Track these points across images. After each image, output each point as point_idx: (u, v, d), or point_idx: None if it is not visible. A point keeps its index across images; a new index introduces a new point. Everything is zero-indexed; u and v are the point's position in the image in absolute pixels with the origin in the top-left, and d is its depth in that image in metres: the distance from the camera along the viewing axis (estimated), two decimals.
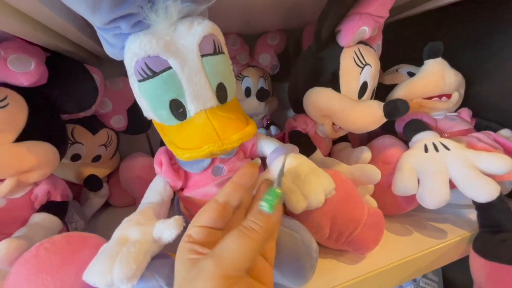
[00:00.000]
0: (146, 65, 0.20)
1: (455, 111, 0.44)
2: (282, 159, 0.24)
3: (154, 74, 0.21)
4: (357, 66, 0.34)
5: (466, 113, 0.43)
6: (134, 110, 0.48)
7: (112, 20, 0.19)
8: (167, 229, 0.22)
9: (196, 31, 0.21)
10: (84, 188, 0.46)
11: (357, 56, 0.34)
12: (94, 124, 0.45)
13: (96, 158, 0.46)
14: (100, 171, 0.48)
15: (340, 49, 0.34)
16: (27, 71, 0.30)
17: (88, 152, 0.45)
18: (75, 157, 0.43)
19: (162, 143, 0.59)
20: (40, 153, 0.31)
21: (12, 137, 0.29)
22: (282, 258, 0.23)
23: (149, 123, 0.51)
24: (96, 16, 0.18)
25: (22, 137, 0.30)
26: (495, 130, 0.40)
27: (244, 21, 0.44)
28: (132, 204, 0.51)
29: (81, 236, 0.27)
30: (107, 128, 0.47)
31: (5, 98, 0.29)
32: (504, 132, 0.40)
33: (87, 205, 0.45)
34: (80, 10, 0.18)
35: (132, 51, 0.20)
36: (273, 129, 0.54)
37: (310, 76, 0.37)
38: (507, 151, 0.36)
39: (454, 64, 0.42)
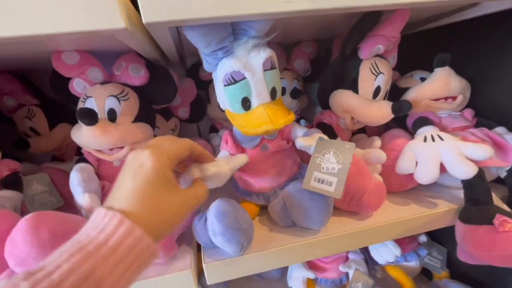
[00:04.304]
0: (232, 76, 0.33)
1: (460, 111, 0.53)
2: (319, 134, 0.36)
3: (235, 81, 0.34)
4: (373, 74, 0.44)
5: (468, 113, 0.51)
6: (195, 104, 0.63)
7: (214, 50, 0.32)
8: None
9: (261, 56, 0.33)
10: None
11: (373, 67, 0.44)
12: (167, 113, 0.61)
13: None
14: None
15: (360, 61, 0.45)
16: (140, 76, 0.45)
17: (161, 134, 0.60)
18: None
19: (211, 130, 0.73)
20: (146, 131, 0.46)
21: (131, 119, 0.44)
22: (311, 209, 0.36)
23: (202, 116, 0.67)
24: (207, 49, 0.32)
25: (136, 119, 0.45)
26: (491, 127, 0.48)
27: (284, 33, 0.55)
28: None
29: None
30: (175, 117, 0.63)
31: (127, 94, 0.44)
32: (499, 129, 0.48)
33: None
34: (198, 46, 0.31)
35: (223, 68, 0.33)
36: (302, 122, 0.66)
37: (336, 81, 0.48)
38: (496, 144, 0.45)
39: (463, 71, 0.50)
